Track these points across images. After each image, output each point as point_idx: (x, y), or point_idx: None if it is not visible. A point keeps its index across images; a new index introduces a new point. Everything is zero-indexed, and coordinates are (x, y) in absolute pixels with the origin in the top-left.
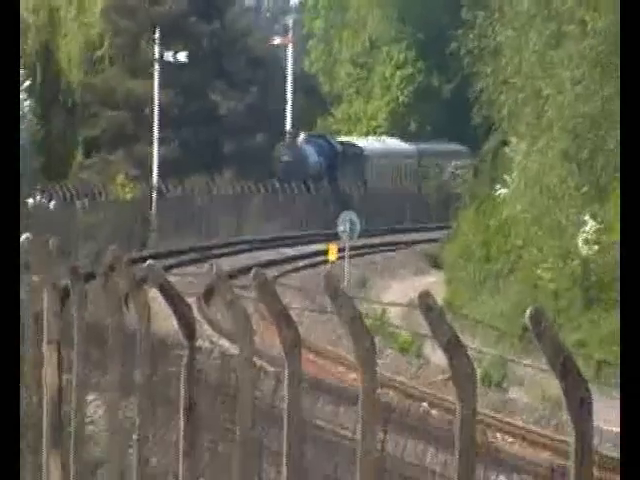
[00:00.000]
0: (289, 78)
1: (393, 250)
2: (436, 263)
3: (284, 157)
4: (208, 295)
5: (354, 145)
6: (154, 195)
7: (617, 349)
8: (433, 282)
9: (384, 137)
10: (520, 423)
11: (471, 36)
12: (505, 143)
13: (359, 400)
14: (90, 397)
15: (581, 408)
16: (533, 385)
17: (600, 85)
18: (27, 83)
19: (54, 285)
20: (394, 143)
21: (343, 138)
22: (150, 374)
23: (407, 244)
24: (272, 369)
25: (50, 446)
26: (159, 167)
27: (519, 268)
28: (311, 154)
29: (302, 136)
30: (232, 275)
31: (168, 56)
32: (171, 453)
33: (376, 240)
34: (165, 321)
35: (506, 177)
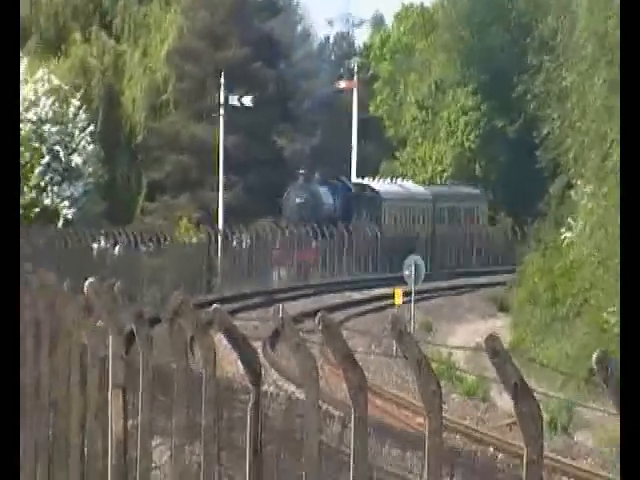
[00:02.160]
0: (354, 121)
1: (459, 294)
2: (502, 306)
3: (297, 199)
4: (274, 339)
5: (369, 187)
6: (219, 239)
7: None
8: (499, 326)
9: (400, 180)
10: (586, 466)
11: (537, 82)
12: (571, 186)
13: (425, 444)
14: (155, 442)
15: None
16: (599, 429)
17: None
18: (91, 127)
19: (119, 330)
20: (409, 186)
21: (358, 180)
22: (215, 419)
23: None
24: (338, 413)
25: None
26: (224, 211)
27: (585, 311)
28: (325, 196)
29: (316, 177)
30: (297, 319)
31: (233, 100)
32: None
33: (442, 284)
34: (231, 365)
35: (571, 220)
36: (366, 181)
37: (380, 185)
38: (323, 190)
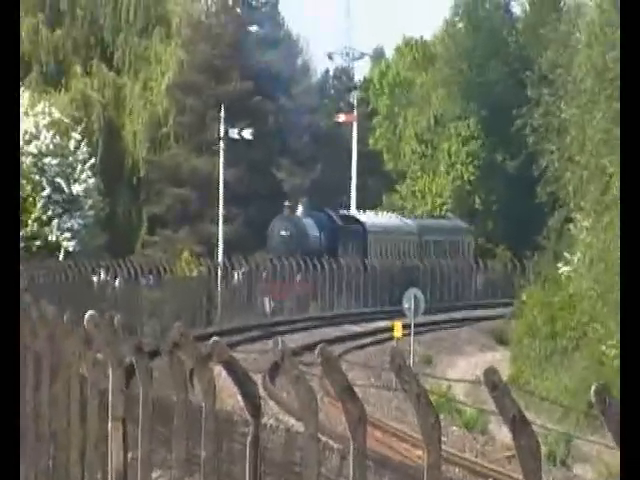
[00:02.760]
0: (354, 155)
1: (458, 327)
2: (501, 340)
3: (282, 231)
4: (273, 372)
5: (355, 219)
6: (219, 272)
7: None
8: (498, 359)
9: (384, 212)
10: None
11: (536, 115)
12: (570, 220)
13: (424, 477)
14: (155, 474)
15: None
16: (598, 462)
17: None
18: (92, 160)
19: (119, 362)
20: (394, 218)
21: (343, 211)
22: (215, 451)
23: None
24: (337, 446)
25: None
26: (224, 244)
27: (584, 344)
28: (311, 228)
29: (300, 209)
30: (297, 352)
31: (233, 133)
32: None
33: (440, 317)
34: (230, 398)
35: (567, 255)
36: (350, 212)
37: (366, 217)
38: (308, 222)
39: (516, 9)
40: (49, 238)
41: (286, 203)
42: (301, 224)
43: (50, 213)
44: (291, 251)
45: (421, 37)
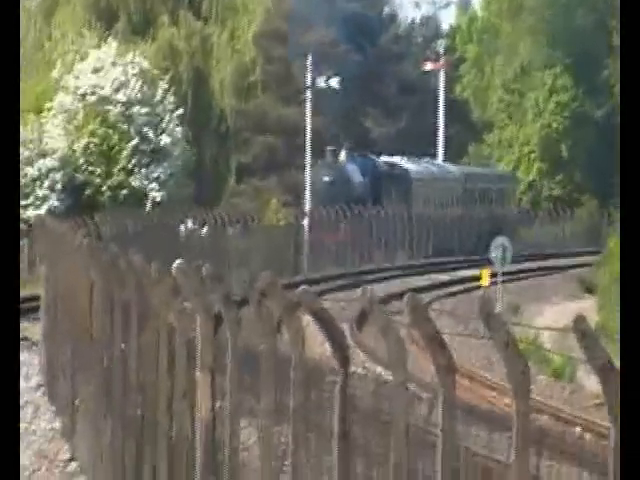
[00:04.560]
0: (441, 104)
1: (545, 275)
2: (589, 288)
3: (325, 177)
4: (361, 320)
5: (399, 166)
6: (306, 221)
7: None
8: (586, 307)
9: (427, 158)
10: None
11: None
12: None
13: (513, 425)
14: (243, 423)
15: None
16: None
17: None
18: (180, 111)
19: (207, 312)
20: (439, 165)
21: (385, 158)
22: (303, 400)
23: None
24: (426, 395)
25: (204, 472)
26: (311, 192)
27: None
28: (355, 174)
29: (343, 154)
30: (385, 300)
31: (320, 82)
32: None
33: (528, 265)
34: (318, 347)
35: None
36: (395, 159)
37: (409, 164)
38: (351, 168)
39: None
40: (135, 187)
41: (328, 147)
42: (344, 170)
43: (136, 162)
44: (336, 199)
45: None
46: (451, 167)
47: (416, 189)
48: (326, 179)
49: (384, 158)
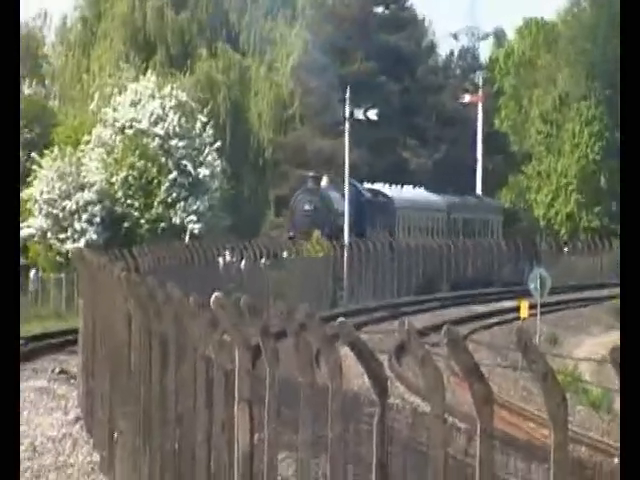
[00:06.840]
0: (479, 135)
1: (582, 306)
2: None
3: (305, 205)
4: (399, 352)
5: (382, 194)
6: (345, 253)
7: None
8: None
9: (410, 187)
10: None
11: None
12: None
13: (550, 456)
14: (281, 456)
15: None
16: None
17: None
18: (218, 143)
19: (245, 344)
20: (422, 194)
21: (368, 185)
22: (342, 432)
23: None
24: (464, 426)
25: None
26: (349, 224)
27: None
28: (337, 201)
29: (325, 181)
30: (423, 332)
31: (358, 114)
32: None
33: (565, 297)
34: (356, 379)
35: None
36: (378, 187)
37: (391, 191)
38: (334, 195)
39: None
40: (174, 220)
41: (310, 173)
42: (326, 197)
43: (175, 195)
44: (316, 227)
45: (542, 18)
46: (435, 196)
47: (399, 217)
48: (306, 207)
49: (367, 185)
